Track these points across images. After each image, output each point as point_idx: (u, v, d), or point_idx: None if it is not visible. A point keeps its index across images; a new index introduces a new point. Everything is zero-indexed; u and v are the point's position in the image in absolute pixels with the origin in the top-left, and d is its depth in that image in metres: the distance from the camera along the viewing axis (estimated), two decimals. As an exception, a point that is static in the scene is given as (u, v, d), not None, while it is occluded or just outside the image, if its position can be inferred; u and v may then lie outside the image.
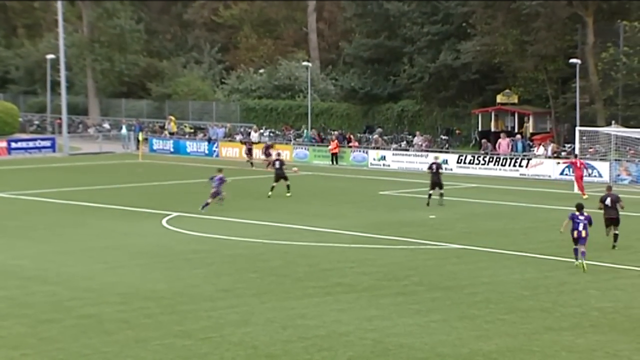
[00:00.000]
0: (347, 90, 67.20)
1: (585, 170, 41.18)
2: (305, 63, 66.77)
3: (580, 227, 24.92)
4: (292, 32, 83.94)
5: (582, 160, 41.80)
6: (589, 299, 20.69)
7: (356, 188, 44.30)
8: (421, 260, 25.51)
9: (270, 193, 39.02)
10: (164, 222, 32.50)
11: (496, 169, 49.59)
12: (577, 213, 25.24)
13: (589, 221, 25.00)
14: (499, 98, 57.38)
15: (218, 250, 27.27)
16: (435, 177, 36.89)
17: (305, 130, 63.74)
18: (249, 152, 55.86)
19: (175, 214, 34.19)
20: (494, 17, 57.29)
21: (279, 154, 44.29)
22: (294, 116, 69.60)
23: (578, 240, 24.84)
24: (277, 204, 37.88)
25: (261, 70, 76.66)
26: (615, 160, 44.81)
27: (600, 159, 45.90)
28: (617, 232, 27.35)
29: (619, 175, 42.73)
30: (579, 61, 50.34)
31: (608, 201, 27.50)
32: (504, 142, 52.19)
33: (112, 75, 79.39)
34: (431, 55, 60.84)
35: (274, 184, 39.44)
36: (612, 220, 27.35)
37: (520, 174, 48.53)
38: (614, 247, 27.12)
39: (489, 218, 33.80)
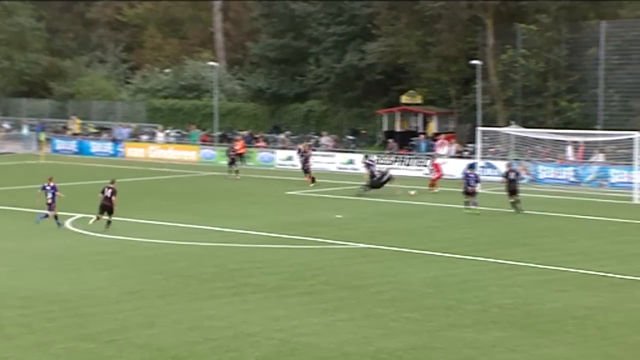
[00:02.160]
0: (254, 91, 67.15)
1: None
2: (211, 63, 66.38)
3: (472, 183, 34.52)
4: (197, 31, 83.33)
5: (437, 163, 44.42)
6: (490, 296, 21.17)
7: (263, 188, 44.31)
8: (328, 259, 25.70)
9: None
10: (67, 223, 31.92)
11: (401, 169, 50.26)
12: (469, 171, 35.12)
13: (477, 178, 35.12)
14: (404, 98, 58.14)
15: (123, 251, 26.94)
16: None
17: (193, 132, 63.40)
18: (233, 161, 49.42)
19: (79, 215, 33.59)
20: (397, 19, 58.07)
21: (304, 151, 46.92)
22: (200, 116, 69.13)
23: (472, 194, 34.21)
24: (183, 205, 37.63)
25: (167, 70, 75.93)
26: (515, 159, 45.85)
27: (501, 159, 46.93)
28: (518, 198, 34.83)
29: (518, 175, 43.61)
30: (480, 62, 51.43)
31: (512, 175, 35.30)
32: (442, 143, 52.80)
33: (12, 74, 77.55)
34: (337, 55, 61.27)
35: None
36: (514, 190, 34.98)
37: (425, 174, 49.26)
38: (518, 210, 34.43)
39: (395, 217, 34.25)
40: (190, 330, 18.24)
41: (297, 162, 54.29)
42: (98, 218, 30.43)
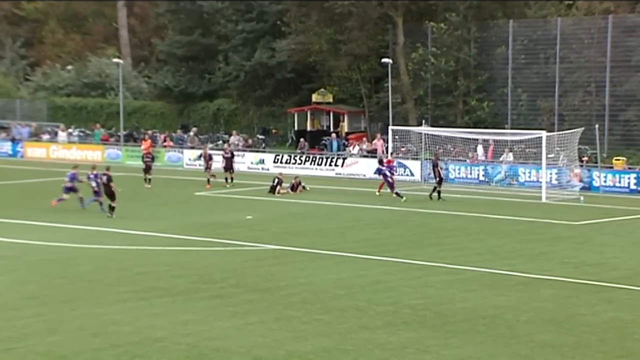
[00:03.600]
0: (161, 89, 66.09)
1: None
2: (116, 60, 65.00)
3: (388, 175, 38.67)
4: (101, 27, 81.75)
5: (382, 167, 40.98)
6: (402, 297, 21.05)
7: (171, 189, 43.58)
8: (238, 262, 25.25)
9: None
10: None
11: (312, 169, 50.10)
12: (382, 167, 39.05)
13: (391, 170, 39.03)
14: (315, 97, 58.03)
15: (23, 255, 25.97)
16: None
17: (98, 131, 62.16)
18: (149, 168, 45.32)
19: (-24, 218, 32.40)
20: (308, 16, 57.93)
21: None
22: (105, 115, 67.79)
23: (393, 184, 38.26)
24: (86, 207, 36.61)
25: (69, 67, 74.18)
26: (427, 159, 46.11)
27: (413, 158, 47.16)
28: (439, 189, 38.70)
29: (429, 174, 43.98)
30: (390, 61, 51.59)
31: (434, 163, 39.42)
32: (379, 143, 51.72)
33: None
34: (246, 53, 60.80)
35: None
36: (439, 178, 38.82)
37: (336, 173, 49.23)
38: (433, 196, 38.53)
39: (306, 218, 34.01)
40: (95, 336, 17.61)
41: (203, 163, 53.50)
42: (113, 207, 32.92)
